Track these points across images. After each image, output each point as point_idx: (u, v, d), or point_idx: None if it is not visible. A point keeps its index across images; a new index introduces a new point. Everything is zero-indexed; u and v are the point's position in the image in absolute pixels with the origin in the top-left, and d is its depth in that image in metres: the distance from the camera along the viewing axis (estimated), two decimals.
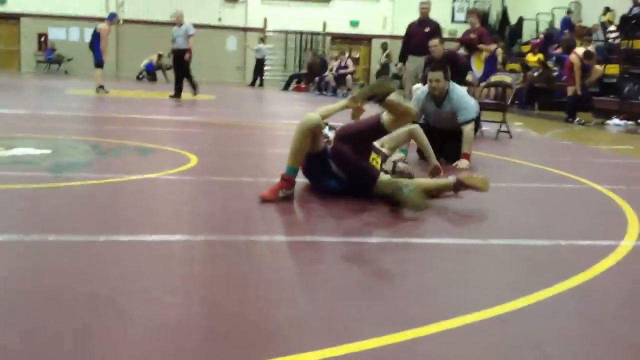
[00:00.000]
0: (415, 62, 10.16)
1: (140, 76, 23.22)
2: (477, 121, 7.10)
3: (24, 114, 9.51)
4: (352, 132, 4.47)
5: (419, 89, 6.89)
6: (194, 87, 14.80)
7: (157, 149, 6.51)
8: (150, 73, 23.19)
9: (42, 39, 25.58)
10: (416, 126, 5.35)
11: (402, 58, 10.77)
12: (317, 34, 26.94)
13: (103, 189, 4.56)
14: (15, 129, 7.58)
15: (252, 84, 23.52)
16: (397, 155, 5.14)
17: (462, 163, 6.03)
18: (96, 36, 14.55)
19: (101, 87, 14.51)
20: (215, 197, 4.41)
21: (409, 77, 10.48)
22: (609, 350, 2.20)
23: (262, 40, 24.02)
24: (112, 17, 14.94)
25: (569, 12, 21.43)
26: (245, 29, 26.16)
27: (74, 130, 7.81)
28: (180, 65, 14.34)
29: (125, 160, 5.87)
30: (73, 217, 3.73)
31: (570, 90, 13.01)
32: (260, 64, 23.52)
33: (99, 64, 14.60)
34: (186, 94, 14.66)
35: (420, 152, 5.95)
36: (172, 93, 14.36)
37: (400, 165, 4.97)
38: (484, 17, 25.43)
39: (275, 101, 16.27)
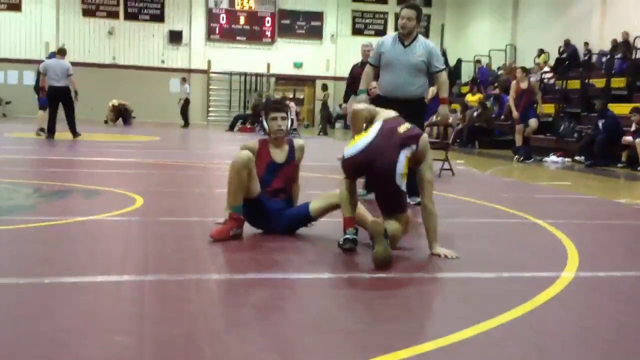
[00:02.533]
0: None
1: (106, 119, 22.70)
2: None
3: None
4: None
5: (379, 39, 6.49)
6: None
7: (101, 190, 6.40)
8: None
9: None
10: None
11: (346, 99, 10.96)
12: (262, 75, 27.18)
13: (48, 231, 4.47)
14: None
15: (185, 124, 22.78)
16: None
17: (443, 109, 6.23)
18: (39, 77, 14.15)
19: (42, 129, 14.12)
20: (162, 237, 4.37)
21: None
22: None
23: (185, 80, 23.86)
24: (53, 57, 14.59)
25: (477, 61, 22.47)
26: (189, 71, 26.18)
27: (15, 173, 7.61)
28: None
29: (69, 202, 5.76)
30: (17, 259, 3.64)
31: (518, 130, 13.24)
32: (186, 104, 22.96)
33: (42, 105, 14.17)
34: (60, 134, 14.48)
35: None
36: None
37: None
38: None
39: (221, 142, 16.24)
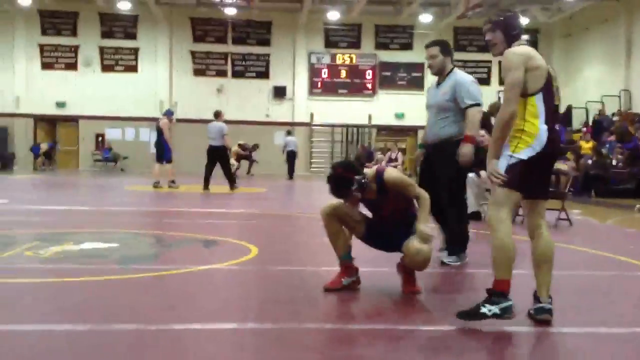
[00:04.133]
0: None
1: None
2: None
3: (88, 210, 9.84)
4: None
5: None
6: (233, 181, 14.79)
7: (218, 240, 6.60)
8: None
9: (100, 139, 26.73)
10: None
11: None
12: (363, 126, 27.49)
13: (170, 279, 4.64)
14: (82, 224, 7.81)
15: (289, 177, 23.17)
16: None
17: (464, 148, 5.18)
18: (160, 133, 15.00)
19: (173, 181, 14.82)
20: (278, 286, 4.43)
21: None
22: None
23: (290, 132, 24.38)
24: (171, 114, 15.47)
25: (600, 113, 21.49)
26: (292, 124, 26.88)
27: (137, 224, 8.01)
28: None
29: (188, 252, 5.97)
30: (144, 306, 3.79)
31: None
32: (291, 157, 23.39)
33: (168, 159, 15.02)
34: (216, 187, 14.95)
35: None
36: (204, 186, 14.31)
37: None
38: None
39: (324, 192, 16.43)
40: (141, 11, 25.79)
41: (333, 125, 27.38)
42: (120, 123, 26.66)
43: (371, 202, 4.32)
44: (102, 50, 26.54)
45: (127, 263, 5.14)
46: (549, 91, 3.54)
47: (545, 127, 3.46)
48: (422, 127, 26.34)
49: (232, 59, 27.21)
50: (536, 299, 3.54)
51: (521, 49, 3.55)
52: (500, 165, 3.45)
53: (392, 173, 4.22)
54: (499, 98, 21.67)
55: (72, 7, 25.96)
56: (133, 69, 26.80)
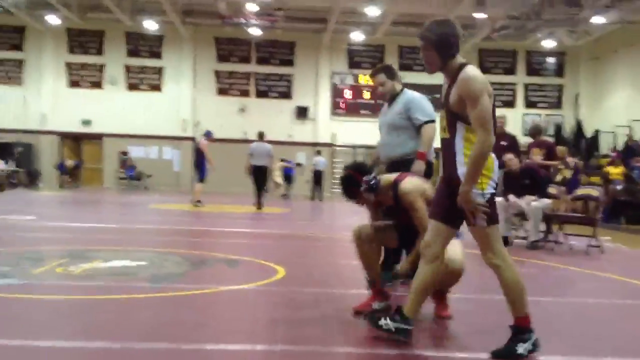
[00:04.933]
0: None
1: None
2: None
3: (115, 227, 9.90)
4: None
5: None
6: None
7: (245, 260, 6.60)
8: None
9: (124, 157, 26.98)
10: None
11: None
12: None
13: (199, 298, 4.64)
14: (109, 241, 7.86)
15: (312, 197, 23.32)
16: None
17: (417, 165, 5.14)
18: (199, 153, 15.33)
19: (199, 201, 15.03)
20: (307, 308, 4.42)
21: None
22: None
23: (319, 152, 24.45)
24: (210, 135, 15.80)
25: (629, 138, 21.20)
26: (314, 144, 26.93)
27: (164, 243, 8.05)
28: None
29: (216, 271, 5.98)
30: (175, 325, 3.78)
31: None
32: (318, 177, 23.49)
33: (201, 179, 15.31)
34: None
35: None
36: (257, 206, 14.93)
37: None
38: (557, 129, 25.47)
39: (348, 213, 16.35)
40: (167, 31, 26.12)
41: (355, 146, 27.37)
42: (144, 141, 26.90)
43: (391, 208, 4.26)
44: (127, 69, 26.90)
45: (156, 281, 5.16)
46: (494, 117, 3.38)
47: (494, 155, 3.38)
48: None
49: (256, 78, 27.41)
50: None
51: (480, 75, 3.37)
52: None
53: (408, 186, 4.07)
54: (534, 122, 21.52)
55: (99, 26, 26.36)
56: (157, 87, 27.09)
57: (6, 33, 26.39)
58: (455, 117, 3.39)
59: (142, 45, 26.95)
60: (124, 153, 26.82)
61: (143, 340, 3.42)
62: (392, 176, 4.22)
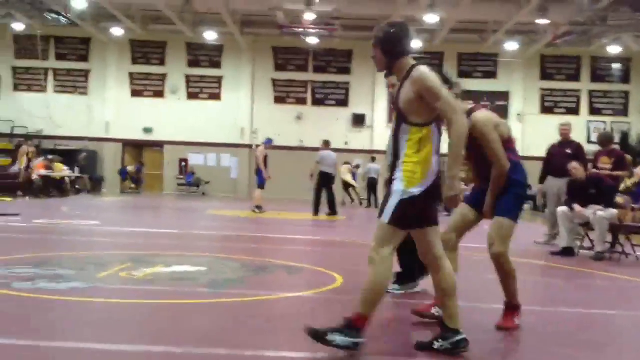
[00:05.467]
0: (556, 185, 9.79)
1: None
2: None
3: (176, 233, 10.08)
4: None
5: None
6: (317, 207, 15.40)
7: (303, 267, 6.60)
8: None
9: (183, 164, 27.53)
10: None
11: (542, 179, 10.46)
12: (444, 155, 27.02)
13: (260, 305, 4.65)
14: (170, 247, 7.99)
15: (368, 204, 23.05)
16: None
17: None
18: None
19: (258, 207, 15.26)
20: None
21: (551, 199, 10.09)
22: None
23: (374, 159, 24.28)
24: (269, 142, 16.03)
25: None
26: (371, 152, 26.84)
27: (223, 249, 8.13)
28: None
29: (275, 278, 5.99)
30: (237, 332, 3.79)
31: None
32: (372, 184, 23.20)
33: (260, 185, 15.57)
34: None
35: None
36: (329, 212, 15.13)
37: None
38: (623, 137, 24.65)
39: None
40: (226, 41, 26.54)
41: None
42: (203, 149, 27.38)
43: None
44: (188, 79, 27.45)
45: (216, 287, 5.20)
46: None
47: (437, 160, 3.52)
48: None
49: (313, 87, 27.56)
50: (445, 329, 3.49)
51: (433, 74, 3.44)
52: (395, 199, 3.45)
53: (481, 116, 4.06)
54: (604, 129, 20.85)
55: (161, 37, 27.00)
56: (217, 96, 27.54)
57: (73, 45, 27.35)
58: (401, 118, 3.48)
59: (202, 56, 27.47)
60: (184, 160, 27.37)
61: (203, 345, 3.45)
62: (466, 105, 4.18)
